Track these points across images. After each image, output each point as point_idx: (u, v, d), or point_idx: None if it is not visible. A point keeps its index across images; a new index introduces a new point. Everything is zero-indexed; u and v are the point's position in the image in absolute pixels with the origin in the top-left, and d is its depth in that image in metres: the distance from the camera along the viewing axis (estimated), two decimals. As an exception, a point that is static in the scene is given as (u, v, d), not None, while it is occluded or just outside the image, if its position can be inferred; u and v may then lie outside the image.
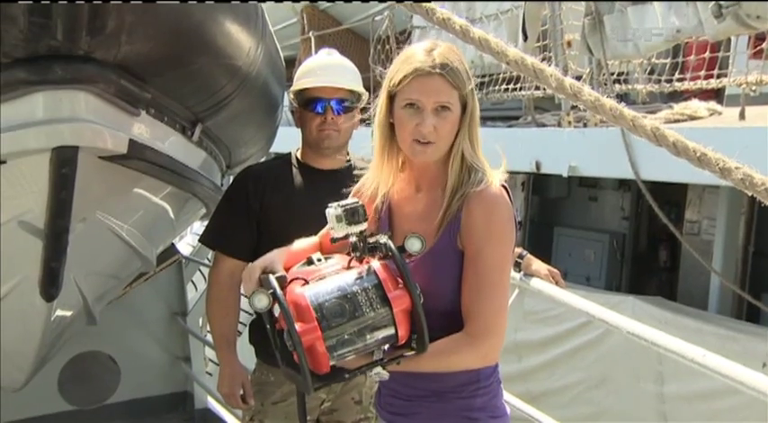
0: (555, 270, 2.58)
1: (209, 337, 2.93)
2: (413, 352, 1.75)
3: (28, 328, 2.36)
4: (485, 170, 1.84)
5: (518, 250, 2.56)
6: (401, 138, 1.84)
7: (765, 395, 1.53)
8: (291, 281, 1.74)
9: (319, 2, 10.56)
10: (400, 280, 1.72)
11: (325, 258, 1.83)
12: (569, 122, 5.83)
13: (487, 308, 1.79)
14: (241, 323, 2.96)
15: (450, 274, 1.83)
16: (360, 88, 2.70)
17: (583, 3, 5.60)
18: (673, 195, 6.89)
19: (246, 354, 2.78)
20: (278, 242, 2.00)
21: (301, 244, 2.00)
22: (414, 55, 1.80)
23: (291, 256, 1.89)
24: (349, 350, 1.68)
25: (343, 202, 1.76)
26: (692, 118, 5.43)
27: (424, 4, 1.53)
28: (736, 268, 6.30)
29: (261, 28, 2.45)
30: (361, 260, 1.78)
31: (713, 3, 4.26)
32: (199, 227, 5.11)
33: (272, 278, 1.69)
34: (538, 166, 5.95)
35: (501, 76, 6.58)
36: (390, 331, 1.70)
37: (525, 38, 6.18)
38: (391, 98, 1.84)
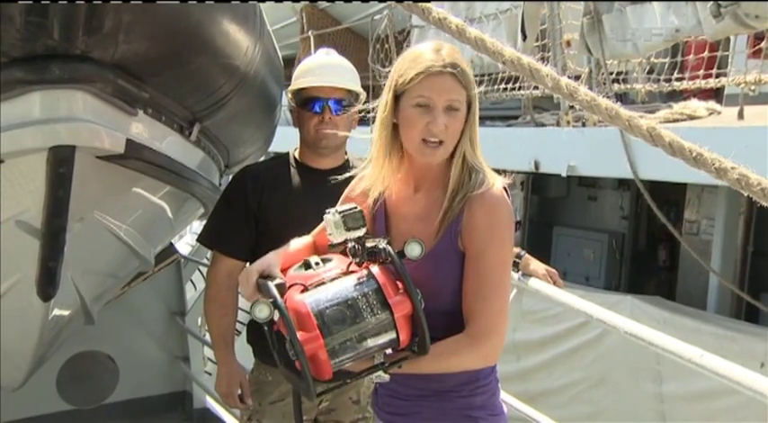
0: (553, 270, 2.58)
1: (208, 337, 2.93)
2: (414, 355, 1.75)
3: (25, 328, 2.36)
4: (485, 171, 1.85)
5: (516, 250, 2.56)
6: (408, 137, 1.82)
7: (762, 395, 1.53)
8: (290, 287, 1.74)
9: (319, 2, 10.55)
10: (400, 284, 1.72)
11: (323, 261, 1.82)
12: (568, 122, 5.83)
13: (489, 308, 1.79)
14: (239, 322, 2.96)
15: (450, 274, 1.83)
16: (358, 88, 2.70)
17: (582, 2, 5.59)
18: (672, 195, 6.89)
19: (244, 353, 2.78)
20: (276, 242, 2.00)
21: (296, 244, 2.00)
22: (423, 54, 1.79)
23: (288, 258, 1.89)
24: (350, 356, 1.68)
25: (340, 208, 1.75)
26: (692, 117, 5.42)
27: (420, 3, 1.52)
28: (735, 268, 6.30)
29: (259, 27, 2.45)
30: (359, 264, 1.78)
31: (712, 2, 4.26)
32: (198, 226, 5.11)
33: (271, 286, 1.68)
34: (537, 165, 5.95)
35: (500, 75, 6.58)
36: (392, 336, 1.70)
37: (524, 37, 6.18)
38: (396, 98, 1.83)
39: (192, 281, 5.95)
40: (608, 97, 1.41)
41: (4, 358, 2.68)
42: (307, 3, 10.51)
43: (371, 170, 1.94)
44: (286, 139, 3.17)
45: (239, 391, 2.74)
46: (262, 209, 2.63)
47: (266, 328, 1.76)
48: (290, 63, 4.68)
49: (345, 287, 1.71)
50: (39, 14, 1.63)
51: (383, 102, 1.86)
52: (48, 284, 2.06)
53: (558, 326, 6.06)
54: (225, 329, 2.76)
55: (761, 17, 4.14)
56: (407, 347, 1.75)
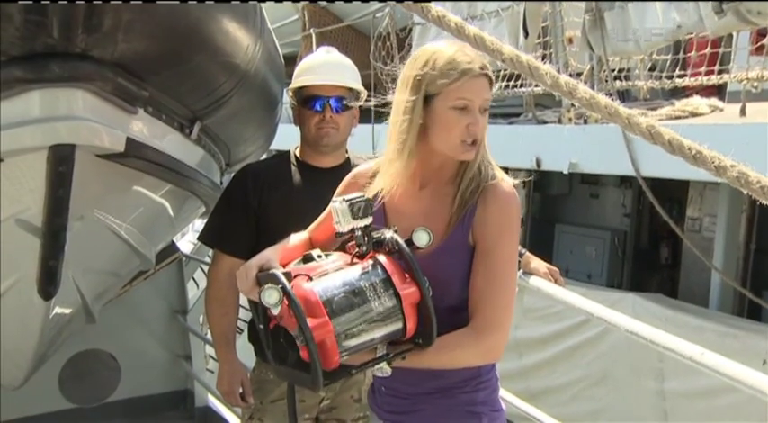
0: (554, 268, 2.57)
1: (210, 335, 2.93)
2: (417, 347, 1.75)
3: (26, 326, 2.36)
4: (493, 165, 1.88)
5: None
6: (443, 139, 1.82)
7: (763, 393, 1.53)
8: (295, 276, 1.73)
9: (319, 2, 10.54)
10: (406, 274, 1.72)
11: (325, 255, 1.82)
12: (570, 119, 5.82)
13: (496, 302, 1.81)
14: (241, 319, 2.96)
15: (459, 269, 1.84)
16: (359, 86, 2.70)
17: (584, 1, 5.58)
18: (674, 192, 6.88)
19: (246, 352, 2.78)
20: (277, 240, 1.99)
21: (293, 240, 2.00)
22: (455, 56, 1.78)
23: (285, 254, 1.89)
24: (357, 345, 1.67)
25: (348, 197, 1.75)
26: (694, 115, 5.41)
27: (420, 3, 1.52)
28: (737, 265, 6.28)
29: (259, 25, 2.44)
30: (362, 256, 1.78)
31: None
32: (200, 224, 5.11)
33: (279, 273, 1.68)
34: (538, 162, 5.94)
35: (501, 73, 6.56)
36: (399, 325, 1.71)
37: (526, 34, 6.17)
38: (425, 99, 1.82)
39: (194, 279, 5.96)
40: (609, 94, 1.41)
41: (5, 357, 2.68)
42: (306, 3, 10.49)
43: (388, 170, 1.91)
44: (288, 137, 3.17)
45: (241, 390, 2.74)
46: (262, 207, 2.63)
47: (262, 326, 1.76)
48: (292, 61, 4.67)
49: (352, 276, 1.71)
50: (38, 13, 1.63)
51: (405, 103, 1.83)
52: (48, 283, 2.07)
53: (559, 323, 6.06)
54: (226, 328, 2.76)
55: (763, 13, 4.12)
56: (411, 339, 1.75)
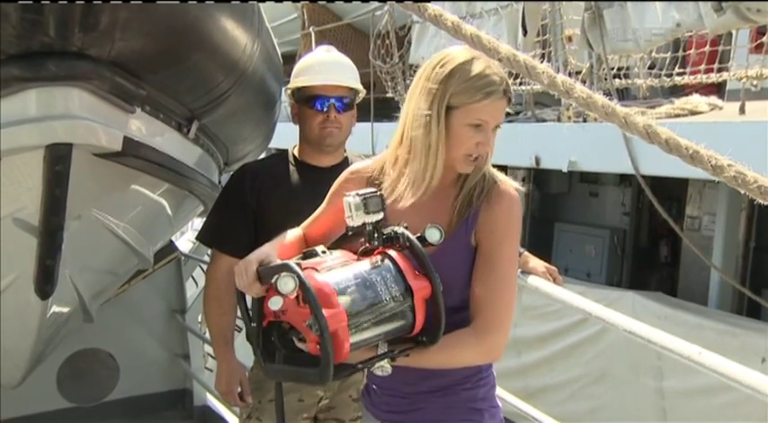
0: (552, 267, 2.57)
1: (208, 335, 2.93)
2: (419, 345, 1.75)
3: (23, 326, 2.36)
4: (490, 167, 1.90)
5: (516, 248, 2.56)
6: (450, 150, 1.82)
7: (761, 393, 1.53)
8: (303, 269, 1.70)
9: (318, 0, 10.53)
10: (416, 270, 1.72)
11: (329, 251, 1.81)
12: (569, 117, 5.82)
13: (497, 303, 1.82)
14: (240, 318, 2.95)
15: (461, 269, 1.85)
16: (359, 85, 2.70)
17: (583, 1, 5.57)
18: (673, 191, 6.88)
19: (245, 351, 2.77)
20: (276, 240, 1.99)
21: (289, 237, 1.99)
22: (481, 72, 1.77)
23: (282, 250, 1.88)
24: (366, 339, 1.67)
25: (361, 191, 1.75)
26: (693, 113, 5.41)
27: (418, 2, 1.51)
28: (737, 264, 6.29)
29: (257, 24, 2.44)
30: (368, 254, 1.77)
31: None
32: (199, 223, 5.11)
33: (292, 263, 1.65)
34: (537, 161, 5.94)
35: (501, 71, 6.55)
36: (408, 320, 1.71)
37: (525, 33, 6.17)
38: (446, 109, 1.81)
39: (193, 277, 5.95)
40: (608, 93, 1.40)
41: (3, 356, 2.68)
42: (306, 1, 10.49)
43: (395, 170, 1.91)
44: (286, 136, 3.16)
45: (239, 390, 2.74)
46: (261, 207, 2.62)
47: (256, 323, 1.75)
48: (291, 59, 4.66)
49: (363, 269, 1.71)
50: (35, 11, 1.62)
51: (426, 111, 1.80)
52: (45, 282, 2.06)
53: (558, 322, 6.06)
54: (225, 328, 2.76)
55: (762, 11, 4.12)
56: (415, 337, 1.75)
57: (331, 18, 10.35)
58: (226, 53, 2.20)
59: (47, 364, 3.55)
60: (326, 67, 2.69)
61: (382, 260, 1.73)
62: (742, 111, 4.83)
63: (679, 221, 6.44)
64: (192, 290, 5.81)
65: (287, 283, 1.59)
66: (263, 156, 3.65)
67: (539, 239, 7.75)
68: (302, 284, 1.59)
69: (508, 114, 1.95)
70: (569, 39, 6.07)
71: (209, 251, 3.02)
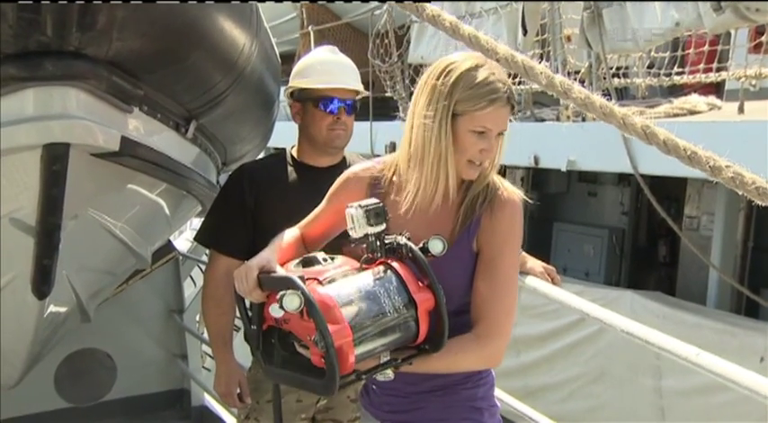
0: (550, 267, 2.57)
1: (206, 335, 2.92)
2: (421, 353, 1.75)
3: (20, 326, 2.35)
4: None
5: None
6: (456, 157, 1.82)
7: (759, 394, 1.52)
8: (306, 281, 1.69)
9: (317, 1, 10.53)
10: (419, 281, 1.72)
11: (330, 258, 1.81)
12: (568, 117, 5.82)
13: (499, 309, 1.84)
14: (238, 318, 2.94)
15: (462, 275, 1.86)
16: (362, 87, 2.70)
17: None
18: (672, 190, 6.87)
19: (243, 351, 2.76)
20: (274, 240, 1.98)
21: (286, 238, 1.98)
22: (485, 80, 1.76)
23: (281, 253, 1.88)
24: (369, 350, 1.66)
25: (363, 203, 1.74)
26: (692, 112, 5.41)
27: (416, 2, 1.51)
28: (735, 263, 6.28)
29: (255, 24, 2.43)
30: (370, 262, 1.77)
31: (713, -1, 4.24)
32: (198, 223, 5.11)
33: (296, 278, 1.64)
34: (536, 160, 5.93)
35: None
36: (411, 331, 1.70)
37: (525, 32, 6.16)
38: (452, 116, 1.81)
39: (191, 277, 5.95)
40: (607, 93, 1.40)
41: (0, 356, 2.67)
42: (305, 0, 10.48)
43: (402, 174, 1.91)
44: (285, 135, 3.16)
45: (238, 391, 2.74)
46: (259, 207, 2.62)
47: (256, 326, 1.74)
48: (290, 59, 4.66)
49: (365, 281, 1.70)
50: (32, 11, 1.61)
51: (432, 119, 1.79)
52: (42, 282, 2.06)
53: (557, 321, 6.06)
54: (223, 328, 2.75)
55: (761, 11, 4.12)
56: (418, 345, 1.75)
57: (330, 17, 10.34)
58: (224, 53, 2.19)
59: (44, 365, 3.54)
60: (336, 68, 2.68)
61: (385, 271, 1.73)
62: (741, 110, 4.83)
63: (678, 221, 6.44)
64: (190, 290, 5.80)
65: (292, 301, 1.58)
66: (261, 155, 3.64)
67: (537, 239, 7.74)
68: (308, 302, 1.58)
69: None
70: (568, 38, 6.07)
71: (208, 251, 3.01)
